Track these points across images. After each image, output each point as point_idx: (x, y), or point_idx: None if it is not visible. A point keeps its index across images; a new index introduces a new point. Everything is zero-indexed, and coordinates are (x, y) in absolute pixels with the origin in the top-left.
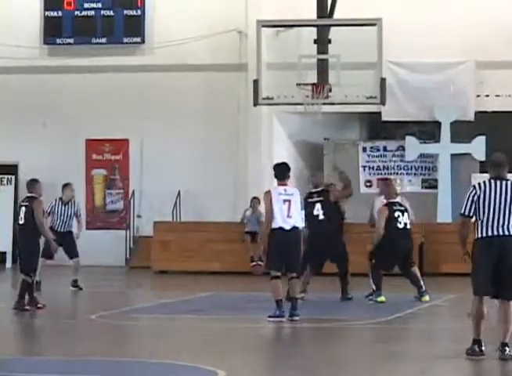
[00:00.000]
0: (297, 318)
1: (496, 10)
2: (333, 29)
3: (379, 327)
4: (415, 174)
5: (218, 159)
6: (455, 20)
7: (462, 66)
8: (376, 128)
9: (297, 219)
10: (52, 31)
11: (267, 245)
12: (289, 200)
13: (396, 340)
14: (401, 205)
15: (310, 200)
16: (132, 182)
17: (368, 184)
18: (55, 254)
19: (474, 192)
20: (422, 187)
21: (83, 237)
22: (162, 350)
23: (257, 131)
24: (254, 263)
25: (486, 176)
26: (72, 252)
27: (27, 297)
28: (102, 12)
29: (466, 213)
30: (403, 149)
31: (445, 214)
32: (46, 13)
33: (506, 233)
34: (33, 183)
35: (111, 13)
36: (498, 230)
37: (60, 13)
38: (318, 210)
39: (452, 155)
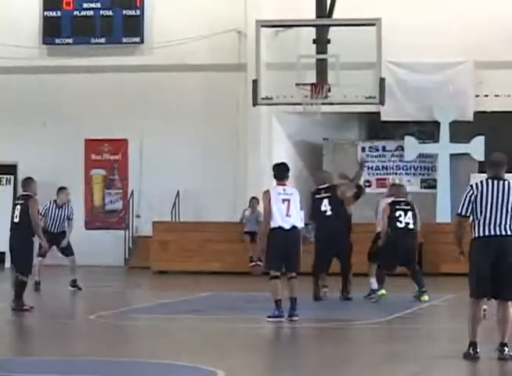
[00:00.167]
0: (296, 318)
1: (495, 10)
2: (332, 29)
3: (378, 327)
4: (414, 174)
5: (217, 159)
6: (454, 21)
7: (461, 67)
8: (376, 128)
9: (297, 219)
10: (51, 31)
11: (266, 245)
12: (288, 200)
13: (395, 340)
14: (407, 204)
15: (317, 196)
16: (131, 182)
17: (367, 184)
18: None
19: (470, 192)
20: (421, 187)
21: (82, 237)
22: (161, 350)
23: (256, 131)
24: (254, 263)
25: (485, 176)
26: (67, 251)
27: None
28: (101, 12)
29: (463, 213)
30: (402, 149)
31: (444, 214)
32: (45, 13)
33: (504, 232)
34: (28, 182)
35: (110, 13)
36: (495, 230)
37: (59, 13)
38: (325, 206)
39: (451, 155)
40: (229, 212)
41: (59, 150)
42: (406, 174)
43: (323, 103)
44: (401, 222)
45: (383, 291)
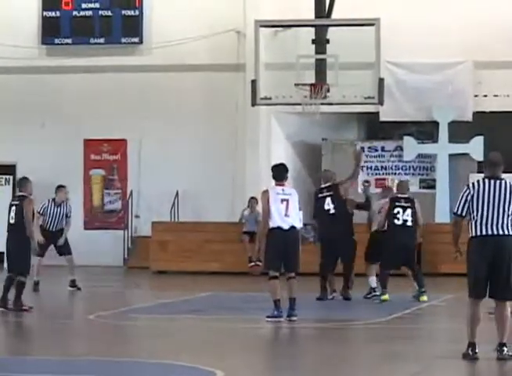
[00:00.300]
0: (295, 318)
1: (495, 10)
2: (331, 29)
3: (377, 327)
4: (413, 174)
5: (216, 159)
6: (453, 21)
7: (460, 67)
8: (374, 128)
9: (295, 219)
10: (50, 31)
11: (265, 245)
12: (287, 200)
13: (395, 340)
14: (407, 201)
15: (320, 195)
16: (130, 183)
17: (366, 184)
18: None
19: (467, 191)
20: (420, 187)
21: (81, 237)
22: (161, 350)
23: (255, 131)
24: (253, 264)
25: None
26: (64, 249)
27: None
28: (100, 12)
29: (459, 212)
30: (401, 149)
31: (443, 214)
32: (44, 13)
33: (501, 232)
34: (23, 182)
35: (109, 13)
36: (492, 229)
37: (58, 13)
38: (328, 204)
39: (450, 155)
40: (228, 212)
41: (58, 150)
42: (405, 174)
43: (322, 103)
44: (398, 219)
45: (386, 296)
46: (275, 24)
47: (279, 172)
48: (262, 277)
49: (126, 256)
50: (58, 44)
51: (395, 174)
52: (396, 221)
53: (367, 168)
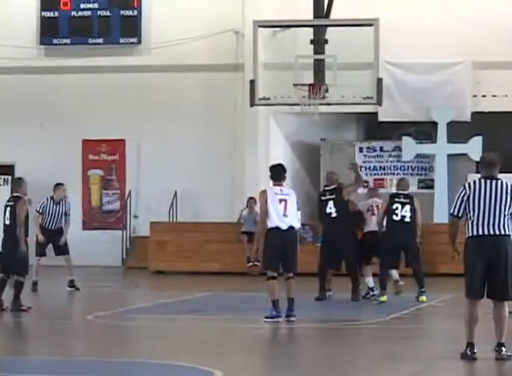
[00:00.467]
0: (293, 318)
1: (493, 11)
2: (329, 29)
3: (376, 327)
4: (411, 174)
5: (215, 159)
6: (451, 21)
7: (459, 67)
8: (373, 128)
9: (294, 219)
10: (49, 32)
11: (263, 245)
12: (285, 200)
13: (393, 340)
14: (406, 198)
15: (323, 197)
16: (129, 183)
17: (365, 184)
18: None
19: (463, 192)
20: (418, 187)
21: (79, 238)
22: (159, 350)
23: (253, 131)
24: (251, 264)
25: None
26: (63, 249)
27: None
28: (98, 12)
29: (455, 213)
30: (400, 149)
31: (441, 214)
32: (43, 14)
33: (497, 232)
34: (18, 182)
35: (108, 13)
36: (489, 229)
37: (57, 14)
38: (330, 208)
39: (449, 155)
40: (227, 212)
41: (56, 150)
42: (404, 174)
43: (321, 104)
44: (397, 215)
45: (385, 298)
46: (273, 24)
47: (278, 173)
48: (261, 277)
49: (124, 256)
50: (56, 44)
51: (394, 174)
52: (394, 217)
53: (366, 169)
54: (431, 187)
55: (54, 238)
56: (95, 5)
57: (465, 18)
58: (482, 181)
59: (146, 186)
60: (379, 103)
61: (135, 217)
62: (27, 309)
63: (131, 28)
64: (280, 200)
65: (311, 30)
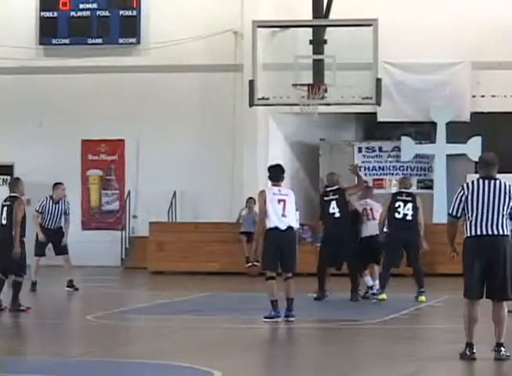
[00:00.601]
0: (292, 319)
1: (492, 11)
2: (328, 29)
3: (375, 327)
4: (410, 174)
5: (214, 159)
6: (450, 21)
7: (458, 67)
8: (372, 128)
9: (292, 219)
10: (48, 32)
11: (262, 245)
12: (284, 200)
13: (393, 340)
14: (408, 196)
15: (326, 198)
16: (128, 183)
17: (364, 184)
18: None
19: (462, 192)
20: (417, 188)
21: (78, 238)
22: (158, 350)
23: (252, 131)
24: (250, 264)
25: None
26: (62, 249)
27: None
28: (97, 12)
29: (454, 213)
30: (399, 149)
31: (440, 214)
32: (42, 14)
33: (496, 232)
34: (15, 182)
35: (107, 14)
36: (487, 229)
37: (56, 14)
38: (333, 208)
39: (448, 156)
40: (226, 213)
41: (55, 150)
42: (403, 174)
43: (320, 104)
44: (399, 213)
45: (384, 296)
46: (272, 25)
47: (276, 173)
48: (260, 277)
49: (123, 256)
50: (55, 44)
51: (393, 174)
52: (397, 214)
53: (365, 169)
54: (430, 187)
55: (54, 237)
56: (94, 6)
57: (464, 18)
58: (481, 181)
59: (145, 186)
60: (378, 103)
61: (134, 217)
62: (26, 309)
63: (130, 28)
64: (279, 201)
65: (310, 30)
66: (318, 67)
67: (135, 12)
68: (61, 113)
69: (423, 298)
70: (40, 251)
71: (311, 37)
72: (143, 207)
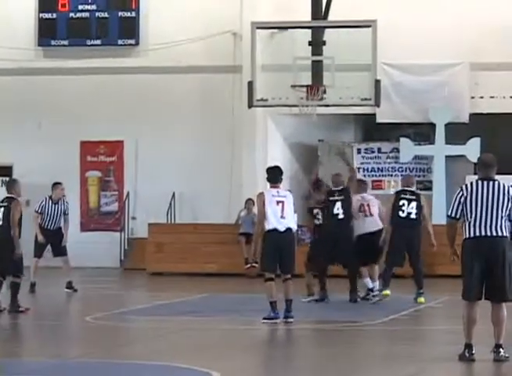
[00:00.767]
0: (291, 320)
1: (491, 12)
2: (327, 31)
3: (374, 328)
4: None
5: (213, 160)
6: (449, 22)
7: (456, 68)
8: (371, 129)
9: (291, 221)
10: (47, 33)
11: (261, 247)
12: (282, 202)
13: (391, 341)
14: (412, 194)
15: (331, 198)
16: (127, 184)
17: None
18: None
19: (460, 193)
20: (417, 189)
21: (78, 239)
22: (157, 352)
23: (251, 132)
24: (249, 265)
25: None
26: (61, 250)
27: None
28: (96, 13)
29: (453, 215)
30: (398, 150)
31: (439, 216)
32: (41, 15)
33: (494, 233)
34: (12, 183)
35: (106, 15)
36: (486, 231)
37: (55, 15)
38: (338, 209)
39: (447, 157)
40: (225, 214)
41: (54, 151)
42: (402, 175)
43: (319, 105)
44: (403, 211)
45: (387, 291)
46: (271, 26)
47: (274, 175)
48: (258, 279)
49: (122, 258)
50: (54, 45)
51: (392, 175)
52: (401, 213)
53: (364, 170)
54: (429, 189)
55: (53, 238)
56: (93, 7)
57: (463, 19)
58: (479, 182)
59: (144, 188)
60: (377, 104)
61: (133, 218)
62: (25, 310)
63: (129, 30)
64: (278, 202)
65: (309, 31)
66: (317, 68)
67: (133, 14)
68: (60, 115)
69: (422, 299)
70: (39, 252)
71: (310, 39)
72: (142, 208)
